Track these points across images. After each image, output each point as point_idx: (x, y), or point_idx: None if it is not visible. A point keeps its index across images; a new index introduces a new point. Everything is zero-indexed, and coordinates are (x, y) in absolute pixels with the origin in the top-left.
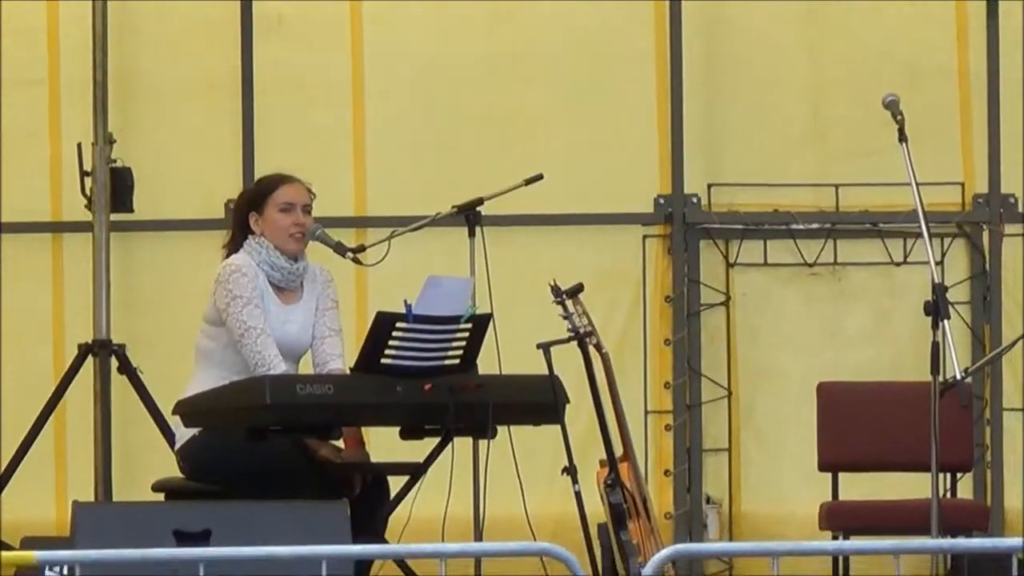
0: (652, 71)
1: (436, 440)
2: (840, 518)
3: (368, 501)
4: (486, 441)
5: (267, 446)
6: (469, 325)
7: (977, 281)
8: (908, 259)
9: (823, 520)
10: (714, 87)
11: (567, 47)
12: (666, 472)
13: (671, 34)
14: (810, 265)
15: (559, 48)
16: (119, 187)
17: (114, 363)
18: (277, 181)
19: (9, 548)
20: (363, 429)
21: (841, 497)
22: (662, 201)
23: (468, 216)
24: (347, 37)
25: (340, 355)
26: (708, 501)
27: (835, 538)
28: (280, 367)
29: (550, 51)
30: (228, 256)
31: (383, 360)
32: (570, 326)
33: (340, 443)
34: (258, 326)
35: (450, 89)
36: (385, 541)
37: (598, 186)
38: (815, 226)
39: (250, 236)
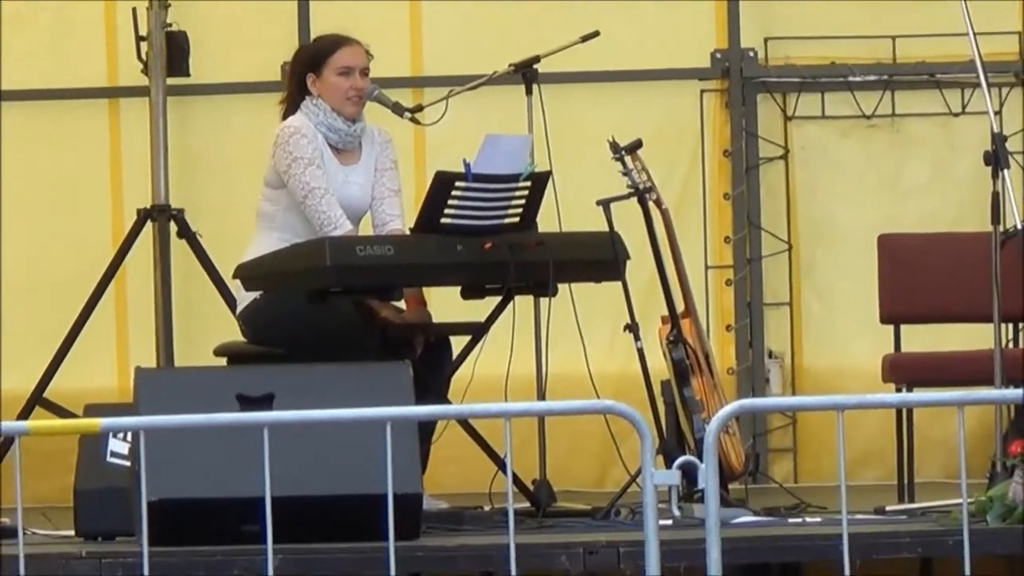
0: None
1: (497, 299)
2: (902, 370)
3: (430, 362)
4: (547, 299)
5: (328, 308)
6: (528, 183)
7: None
8: (966, 109)
9: (886, 373)
10: None
11: None
12: (728, 327)
13: None
14: (868, 117)
15: None
16: (175, 51)
17: (173, 228)
18: (336, 43)
19: (72, 416)
20: (424, 289)
21: (903, 349)
22: (719, 56)
23: (525, 74)
24: None
25: (400, 215)
26: (770, 356)
27: (898, 390)
28: (347, 226)
29: None
30: (285, 116)
31: (443, 220)
32: (629, 182)
33: (401, 304)
34: (321, 186)
35: None
36: (448, 402)
37: (655, 42)
38: (872, 78)
39: (307, 97)
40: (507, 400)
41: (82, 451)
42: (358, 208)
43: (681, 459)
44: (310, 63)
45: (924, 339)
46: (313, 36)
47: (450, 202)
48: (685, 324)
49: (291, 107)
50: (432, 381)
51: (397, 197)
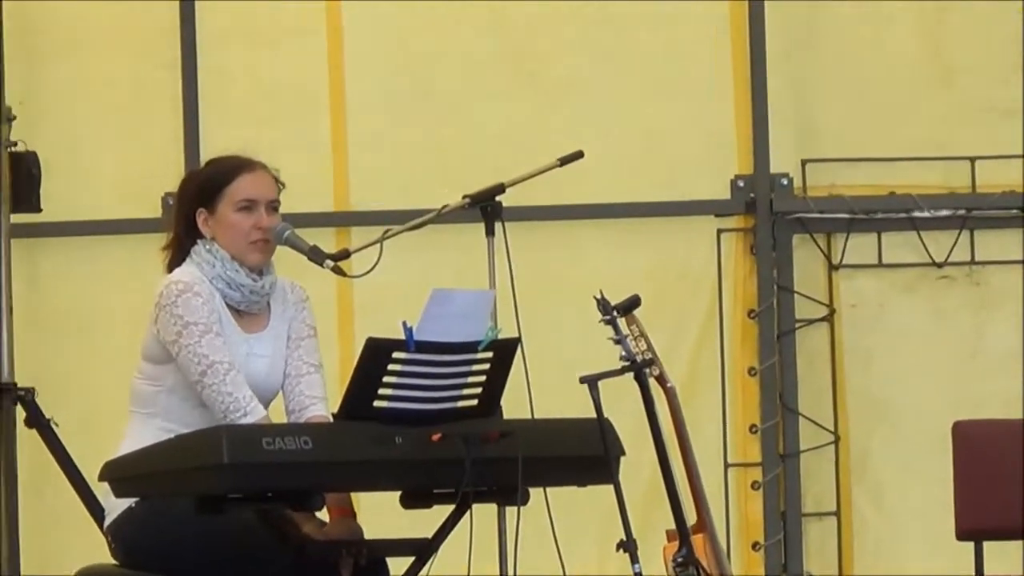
0: (725, 15)
1: (449, 508)
2: None
3: None
4: (515, 508)
5: (226, 520)
6: (490, 354)
7: None
8: None
9: None
10: (804, 29)
11: None
12: (755, 545)
13: None
14: (939, 265)
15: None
16: (22, 178)
17: (20, 414)
18: (234, 168)
19: None
20: (353, 496)
21: (987, 573)
22: (741, 184)
23: (485, 208)
24: None
25: (322, 397)
26: None
27: None
28: (259, 411)
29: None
30: (171, 268)
31: (376, 402)
32: (623, 352)
33: (323, 515)
34: (224, 360)
35: (458, 44)
36: None
37: (656, 165)
38: (945, 213)
39: (199, 241)
40: None
41: None
42: (266, 389)
43: None
44: (201, 195)
45: (1014, 560)
46: (204, 158)
47: (386, 379)
48: (697, 541)
49: (177, 255)
50: None
51: (318, 373)
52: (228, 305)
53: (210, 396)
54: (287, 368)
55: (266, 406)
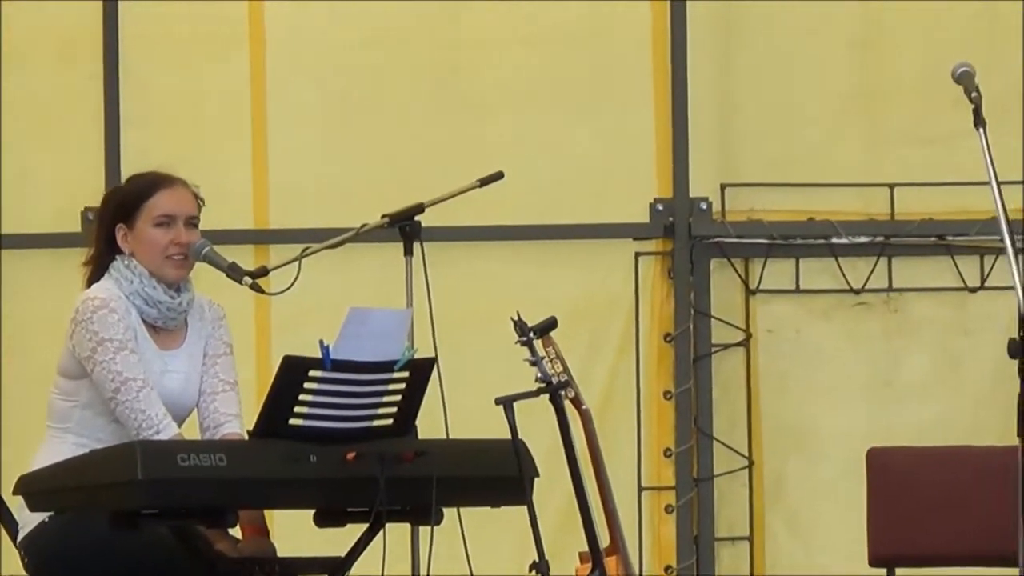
0: (647, 36)
1: (363, 526)
2: None
3: None
4: (428, 528)
5: (139, 537)
6: (406, 373)
7: None
8: (986, 283)
9: None
10: (727, 55)
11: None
12: (667, 569)
13: None
14: (857, 292)
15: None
16: None
17: None
18: (152, 184)
19: None
20: (267, 513)
21: None
22: (660, 207)
23: (404, 228)
24: None
25: (237, 415)
26: None
27: None
28: (172, 429)
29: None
30: (90, 283)
31: (292, 421)
32: (539, 374)
33: (236, 532)
34: (138, 377)
35: (380, 64)
36: None
37: (576, 189)
38: (863, 239)
39: (118, 257)
40: None
41: None
42: (181, 406)
43: None
44: (120, 211)
45: None
46: (125, 173)
47: (302, 397)
48: (610, 564)
49: (97, 270)
50: None
51: (233, 391)
52: (145, 321)
53: (123, 413)
54: (203, 385)
55: (181, 423)
